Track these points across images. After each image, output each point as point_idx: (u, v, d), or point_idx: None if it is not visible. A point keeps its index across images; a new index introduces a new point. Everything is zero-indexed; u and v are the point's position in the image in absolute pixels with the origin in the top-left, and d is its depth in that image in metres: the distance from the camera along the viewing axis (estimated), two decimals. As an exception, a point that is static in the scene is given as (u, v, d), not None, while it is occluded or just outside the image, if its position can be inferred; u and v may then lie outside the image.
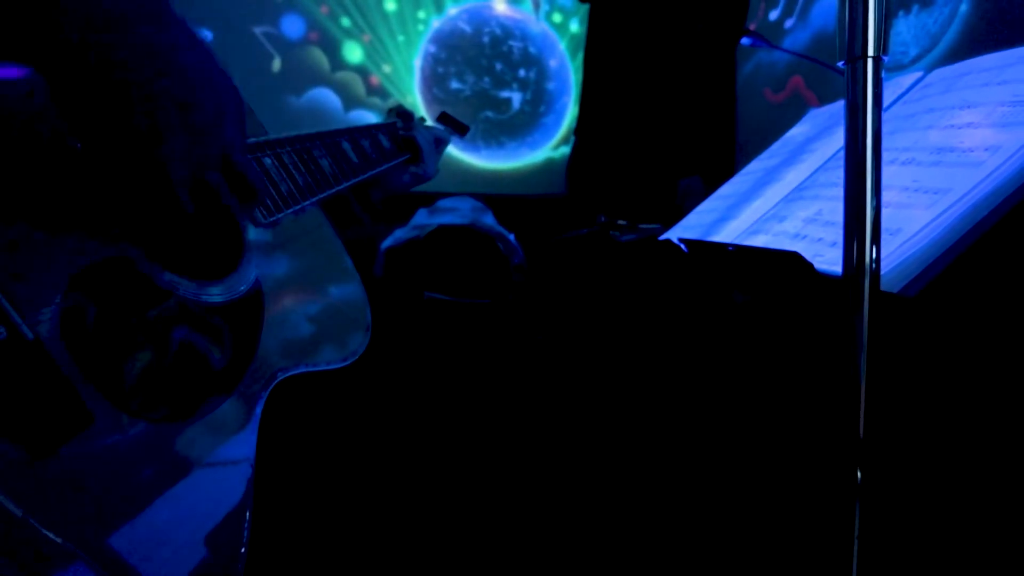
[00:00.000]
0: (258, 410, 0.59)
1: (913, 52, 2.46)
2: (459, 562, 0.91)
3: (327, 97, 3.66)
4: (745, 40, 1.60)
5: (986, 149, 0.68)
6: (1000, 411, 0.66)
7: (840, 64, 0.59)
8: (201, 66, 0.55)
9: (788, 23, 3.28)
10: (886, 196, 0.75)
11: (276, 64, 3.55)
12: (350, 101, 3.72)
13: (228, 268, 0.65)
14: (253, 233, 0.72)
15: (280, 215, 0.77)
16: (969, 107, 0.78)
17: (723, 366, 0.93)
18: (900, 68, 2.54)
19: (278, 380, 0.62)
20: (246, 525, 0.54)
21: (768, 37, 3.37)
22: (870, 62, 0.56)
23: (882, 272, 0.64)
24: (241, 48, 3.36)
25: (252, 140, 0.79)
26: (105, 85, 0.49)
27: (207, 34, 3.41)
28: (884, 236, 0.67)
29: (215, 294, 0.61)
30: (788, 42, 3.27)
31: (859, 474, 0.56)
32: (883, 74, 0.59)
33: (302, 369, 0.66)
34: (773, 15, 3.38)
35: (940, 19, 2.32)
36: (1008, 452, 0.66)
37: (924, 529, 0.69)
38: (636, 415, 1.03)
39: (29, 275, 0.47)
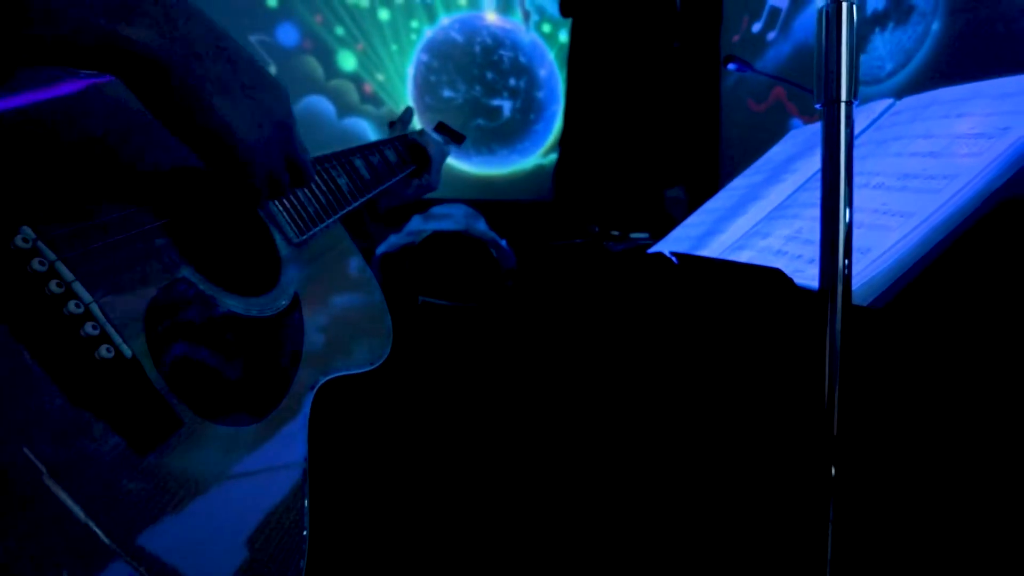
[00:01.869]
0: (306, 411, 0.66)
1: (888, 67, 2.57)
2: (446, 562, 0.97)
3: (321, 105, 3.72)
4: (731, 66, 1.69)
5: (944, 177, 0.77)
6: (962, 408, 0.74)
7: (817, 106, 0.67)
8: (253, 58, 0.63)
9: (770, 36, 3.39)
10: (858, 217, 0.83)
11: (271, 72, 3.60)
12: (344, 109, 3.78)
13: (269, 284, 0.73)
14: (285, 250, 0.79)
15: (309, 233, 0.85)
16: (932, 137, 0.87)
17: (709, 372, 1.01)
18: (877, 82, 2.65)
19: (320, 384, 0.70)
20: (306, 527, 0.61)
21: (751, 49, 3.47)
22: (843, 106, 0.65)
23: (854, 287, 0.72)
24: (237, 56, 3.41)
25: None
26: (186, 91, 0.55)
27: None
28: (856, 255, 0.75)
29: (263, 308, 0.68)
30: (771, 54, 3.38)
31: (833, 471, 0.64)
32: (855, 103, 0.66)
33: (340, 373, 0.73)
34: (756, 27, 3.49)
35: (914, 36, 2.43)
36: (973, 446, 0.74)
37: (894, 525, 0.76)
38: (625, 416, 1.09)
39: (120, 299, 0.54)
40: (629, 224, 2.20)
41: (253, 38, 3.51)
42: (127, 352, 0.52)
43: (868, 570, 0.74)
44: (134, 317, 0.55)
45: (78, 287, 0.51)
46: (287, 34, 3.64)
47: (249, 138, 0.61)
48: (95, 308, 0.51)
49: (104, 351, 0.51)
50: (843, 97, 0.65)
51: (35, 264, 0.49)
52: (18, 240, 0.49)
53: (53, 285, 0.50)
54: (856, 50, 0.65)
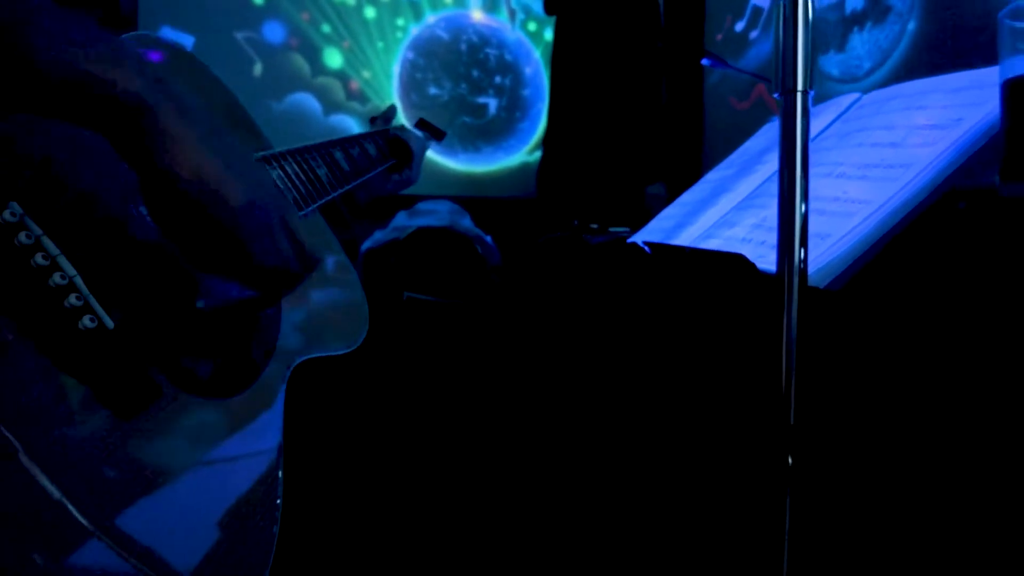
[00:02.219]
0: (283, 387, 0.68)
1: (867, 65, 2.61)
2: (432, 553, 0.99)
3: (307, 102, 3.73)
4: (705, 61, 1.72)
5: (901, 166, 0.80)
6: (912, 387, 0.77)
7: (776, 95, 0.70)
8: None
9: (752, 34, 3.43)
10: (820, 205, 0.86)
11: (257, 69, 3.61)
12: (330, 106, 3.79)
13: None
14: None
15: (288, 221, 0.86)
16: (892, 128, 0.90)
17: (675, 357, 1.03)
18: (855, 80, 2.70)
19: (296, 363, 0.72)
20: (279, 497, 0.63)
21: (734, 47, 3.51)
22: (799, 95, 0.67)
23: (810, 271, 0.75)
24: (223, 53, 3.42)
25: (260, 155, 0.88)
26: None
27: (189, 38, 3.46)
28: (814, 240, 0.78)
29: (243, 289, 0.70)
30: (752, 52, 3.42)
31: (789, 459, 0.66)
32: (810, 101, 0.69)
33: (316, 354, 0.75)
34: (739, 26, 3.53)
35: (891, 35, 2.47)
36: (928, 427, 0.76)
37: (851, 512, 0.78)
38: (605, 407, 1.12)
39: (103, 273, 0.56)
40: (611, 220, 2.23)
41: (240, 35, 3.52)
42: (109, 323, 0.54)
43: (825, 558, 0.77)
44: (116, 290, 0.57)
45: (63, 260, 0.53)
46: (273, 31, 3.64)
47: (249, 197, 0.56)
48: (79, 280, 0.54)
49: (87, 321, 0.53)
50: (799, 87, 0.67)
51: (22, 237, 0.52)
52: (6, 215, 0.51)
53: (39, 258, 0.52)
54: (812, 42, 0.68)
